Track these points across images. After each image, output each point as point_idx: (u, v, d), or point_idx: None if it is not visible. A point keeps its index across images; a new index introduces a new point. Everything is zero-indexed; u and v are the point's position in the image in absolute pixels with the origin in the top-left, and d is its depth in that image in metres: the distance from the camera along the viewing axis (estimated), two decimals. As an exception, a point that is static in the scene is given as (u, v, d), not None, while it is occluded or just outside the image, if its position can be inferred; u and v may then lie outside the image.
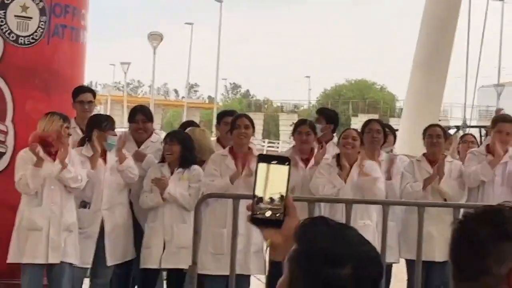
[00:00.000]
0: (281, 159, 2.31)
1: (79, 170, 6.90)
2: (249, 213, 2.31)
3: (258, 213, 2.30)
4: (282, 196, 2.29)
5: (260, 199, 2.29)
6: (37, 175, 6.71)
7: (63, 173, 6.75)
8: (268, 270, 2.38)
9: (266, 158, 2.31)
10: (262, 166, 2.30)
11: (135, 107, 8.08)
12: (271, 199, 2.29)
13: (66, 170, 6.76)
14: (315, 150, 7.58)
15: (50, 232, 6.79)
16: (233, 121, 7.34)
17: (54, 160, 6.78)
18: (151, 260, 7.18)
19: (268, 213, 2.29)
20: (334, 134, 8.45)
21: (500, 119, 7.82)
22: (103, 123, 7.23)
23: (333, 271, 2.03)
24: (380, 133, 7.80)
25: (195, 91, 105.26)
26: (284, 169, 2.30)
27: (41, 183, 6.75)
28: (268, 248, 2.33)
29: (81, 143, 7.26)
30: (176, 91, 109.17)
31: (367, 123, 8.07)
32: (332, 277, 2.03)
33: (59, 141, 6.78)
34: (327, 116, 8.36)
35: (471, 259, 2.19)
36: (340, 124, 9.78)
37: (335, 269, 2.03)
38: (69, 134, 6.91)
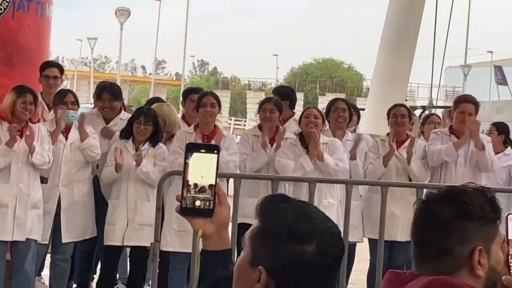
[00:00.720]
0: (210, 148, 2.29)
1: (47, 150, 6.85)
2: (178, 203, 2.29)
3: (188, 202, 2.27)
4: (211, 184, 2.27)
5: (189, 189, 2.27)
6: (8, 154, 6.69)
7: (32, 159, 6.73)
8: (200, 260, 2.35)
9: (194, 147, 2.29)
10: (190, 155, 2.28)
11: (103, 85, 7.97)
12: (201, 188, 2.27)
13: (34, 153, 6.72)
14: (280, 129, 7.59)
15: (17, 209, 6.76)
16: (199, 99, 7.32)
17: (21, 137, 6.75)
18: (114, 237, 7.17)
19: (198, 203, 2.27)
20: (294, 111, 8.45)
21: (462, 99, 7.87)
22: (65, 97, 7.21)
23: (299, 248, 2.04)
24: (345, 112, 7.83)
25: (163, 67, 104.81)
26: (213, 157, 2.28)
27: (8, 162, 6.72)
28: (200, 239, 2.32)
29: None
30: (143, 68, 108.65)
31: (333, 102, 8.10)
32: (299, 253, 2.04)
33: (14, 117, 6.74)
34: (282, 94, 8.35)
35: (433, 239, 2.21)
36: (307, 103, 9.77)
37: (301, 245, 2.04)
38: (27, 110, 6.78)
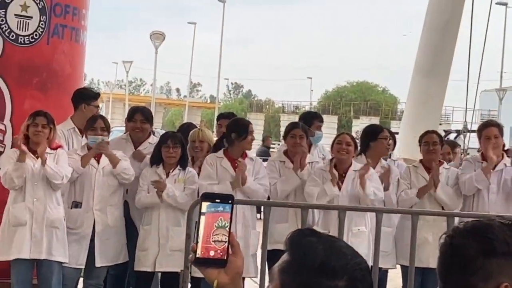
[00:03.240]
0: (224, 198, 2.27)
1: (64, 167, 6.93)
2: (192, 254, 2.26)
3: (202, 252, 2.24)
4: (225, 234, 2.24)
5: (203, 239, 2.24)
6: (19, 169, 6.77)
7: (44, 169, 6.81)
8: None
9: (209, 197, 2.26)
10: (205, 205, 2.26)
11: (136, 107, 8.14)
12: (215, 239, 2.24)
13: (46, 166, 6.80)
14: (307, 154, 7.63)
15: (33, 227, 6.85)
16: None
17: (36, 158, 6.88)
18: (145, 262, 7.20)
19: (211, 253, 2.24)
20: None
21: (484, 125, 7.81)
22: (95, 123, 7.29)
23: (331, 283, 2.03)
24: (388, 140, 7.86)
25: (197, 90, 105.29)
26: (227, 207, 2.25)
27: (23, 177, 6.80)
28: None
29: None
30: (178, 90, 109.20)
31: (380, 130, 8.01)
32: None
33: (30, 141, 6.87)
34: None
35: (457, 275, 2.19)
36: (341, 126, 9.77)
37: (332, 281, 2.03)
38: (39, 133, 6.89)
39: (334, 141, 7.47)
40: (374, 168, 7.51)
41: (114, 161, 7.20)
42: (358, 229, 7.18)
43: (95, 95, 7.89)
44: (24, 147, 6.82)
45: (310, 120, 8.38)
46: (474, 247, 2.18)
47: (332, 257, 2.06)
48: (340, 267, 2.05)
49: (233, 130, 7.31)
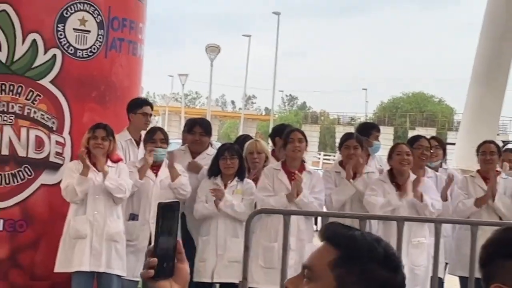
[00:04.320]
0: (171, 206, 2.17)
1: (125, 181, 7.01)
2: (149, 270, 2.14)
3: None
4: (172, 243, 2.16)
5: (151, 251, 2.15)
6: (83, 183, 6.86)
7: (105, 183, 6.89)
8: None
9: (160, 207, 2.15)
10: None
11: (195, 119, 8.18)
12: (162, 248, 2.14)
13: (107, 178, 6.88)
14: (362, 163, 7.61)
15: (93, 240, 6.92)
16: (287, 135, 7.38)
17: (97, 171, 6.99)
18: (204, 273, 7.23)
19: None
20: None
21: None
22: (155, 135, 7.37)
23: (391, 276, 2.08)
24: (429, 151, 7.77)
25: (252, 102, 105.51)
26: (174, 216, 2.17)
27: (86, 191, 6.88)
28: None
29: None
30: (233, 103, 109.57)
31: (416, 138, 7.98)
32: (391, 281, 2.08)
33: (79, 154, 6.98)
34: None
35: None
36: (397, 137, 9.71)
37: (385, 267, 2.08)
38: (99, 145, 6.99)
39: (391, 151, 7.42)
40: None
41: (174, 175, 7.28)
42: (418, 241, 7.13)
43: (141, 103, 7.93)
44: (87, 162, 6.91)
45: (367, 131, 8.36)
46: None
47: (379, 245, 2.09)
48: (390, 254, 2.09)
49: (274, 137, 7.39)
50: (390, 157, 7.40)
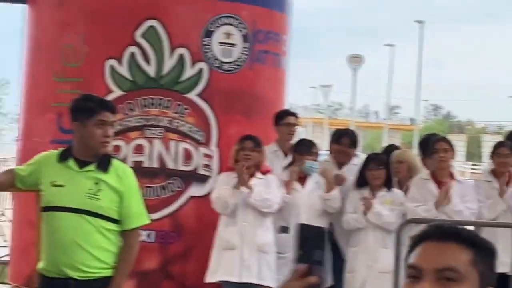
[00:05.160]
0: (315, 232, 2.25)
1: (274, 194, 7.02)
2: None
3: None
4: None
5: None
6: (236, 195, 6.94)
7: (249, 198, 6.93)
8: None
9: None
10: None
11: (342, 130, 8.15)
12: None
13: (253, 195, 6.90)
14: None
15: (243, 252, 6.95)
16: (433, 145, 7.25)
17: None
18: (354, 284, 7.17)
19: None
20: None
21: None
22: (303, 147, 7.37)
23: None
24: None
25: (396, 113, 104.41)
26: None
27: (237, 203, 6.94)
28: None
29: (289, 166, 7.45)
30: (376, 113, 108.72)
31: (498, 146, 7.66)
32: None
33: (237, 166, 7.01)
34: None
35: None
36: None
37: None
38: (247, 157, 7.03)
39: None
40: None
41: (330, 187, 7.27)
42: None
43: (284, 113, 7.96)
44: (246, 176, 6.97)
45: None
46: None
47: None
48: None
49: (422, 147, 7.26)
50: None
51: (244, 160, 7.02)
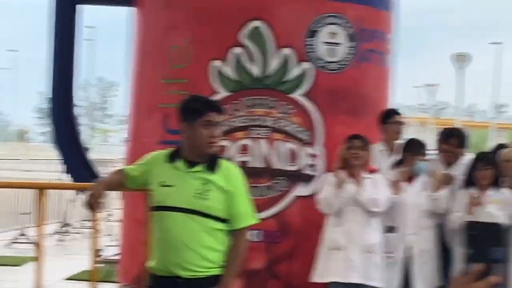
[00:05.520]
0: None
1: (382, 193, 6.96)
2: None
3: None
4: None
5: None
6: (339, 195, 6.90)
7: (358, 196, 6.87)
8: None
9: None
10: None
11: (451, 130, 8.03)
12: None
13: (362, 192, 6.86)
14: None
15: (350, 251, 6.90)
16: None
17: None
18: None
19: None
20: None
21: None
22: (413, 147, 7.29)
23: None
24: None
25: (503, 112, 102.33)
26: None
27: (343, 203, 6.90)
28: None
29: (397, 166, 7.39)
30: (482, 112, 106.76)
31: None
32: None
33: (346, 165, 6.99)
34: None
35: None
36: None
37: None
38: (355, 155, 6.98)
39: None
40: None
41: (438, 187, 7.18)
42: None
43: (391, 113, 7.92)
44: (342, 175, 6.95)
45: None
46: None
47: None
48: None
49: None
50: None
51: (353, 159, 7.00)
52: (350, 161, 7.02)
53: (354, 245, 6.93)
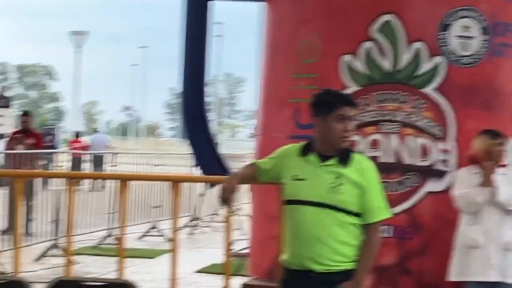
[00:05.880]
0: None
1: None
2: None
3: None
4: None
5: None
6: (483, 193, 6.76)
7: (496, 194, 6.73)
8: None
9: None
10: None
11: None
12: None
13: (499, 192, 6.70)
14: None
15: (488, 250, 6.76)
16: None
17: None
18: None
19: None
20: None
21: None
22: None
23: None
24: None
25: None
26: None
27: (485, 202, 6.76)
28: None
29: None
30: None
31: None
32: None
33: (487, 161, 6.81)
34: None
35: None
36: None
37: None
38: (500, 152, 6.84)
39: None
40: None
41: None
42: None
43: None
44: (494, 176, 6.81)
45: None
46: None
47: None
48: None
49: None
50: None
51: (499, 156, 6.85)
52: (495, 156, 6.85)
53: (491, 244, 6.78)
